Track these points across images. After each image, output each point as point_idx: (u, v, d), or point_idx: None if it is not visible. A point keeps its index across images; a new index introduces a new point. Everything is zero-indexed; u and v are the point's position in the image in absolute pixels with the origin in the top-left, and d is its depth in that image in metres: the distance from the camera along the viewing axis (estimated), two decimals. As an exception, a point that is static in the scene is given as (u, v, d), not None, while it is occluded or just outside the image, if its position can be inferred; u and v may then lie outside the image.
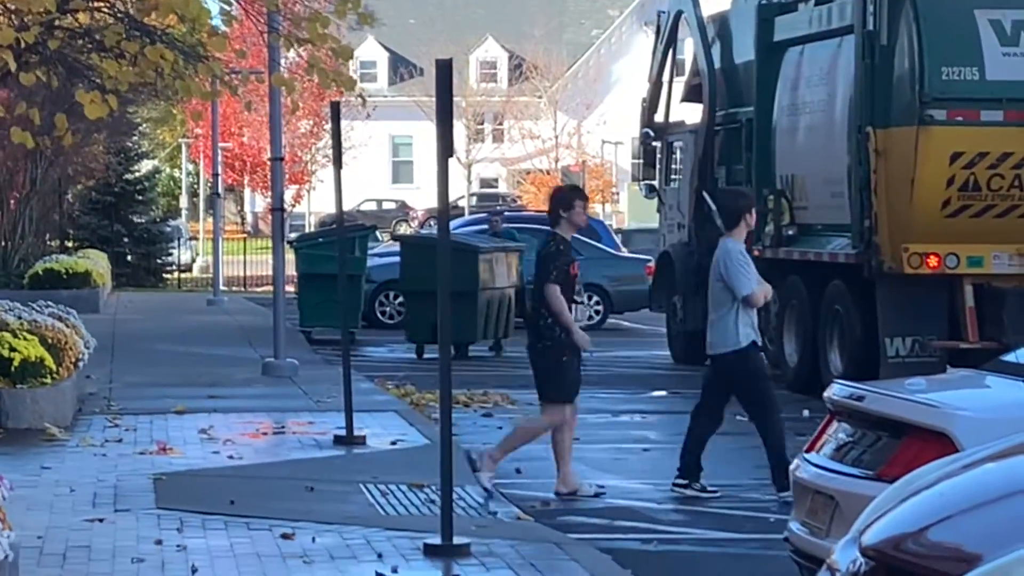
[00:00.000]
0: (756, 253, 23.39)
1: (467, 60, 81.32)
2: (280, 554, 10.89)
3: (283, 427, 17.19)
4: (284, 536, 11.40)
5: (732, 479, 15.08)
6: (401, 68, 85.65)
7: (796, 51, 22.92)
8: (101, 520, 11.95)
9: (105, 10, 18.58)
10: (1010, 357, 9.28)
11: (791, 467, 9.50)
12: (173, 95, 33.16)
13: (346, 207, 61.71)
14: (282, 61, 21.82)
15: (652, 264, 36.46)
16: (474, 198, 77.62)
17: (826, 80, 21.88)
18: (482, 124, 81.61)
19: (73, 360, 17.79)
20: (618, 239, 41.55)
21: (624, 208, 75.62)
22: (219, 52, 18.26)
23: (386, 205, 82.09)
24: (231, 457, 15.10)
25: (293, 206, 62.75)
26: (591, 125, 79.13)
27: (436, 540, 10.97)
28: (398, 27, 79.55)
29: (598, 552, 11.20)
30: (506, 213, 44.05)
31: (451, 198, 52.72)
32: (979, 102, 19.67)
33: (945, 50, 19.69)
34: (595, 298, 34.81)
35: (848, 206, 21.11)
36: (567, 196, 14.81)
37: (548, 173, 76.62)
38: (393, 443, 16.31)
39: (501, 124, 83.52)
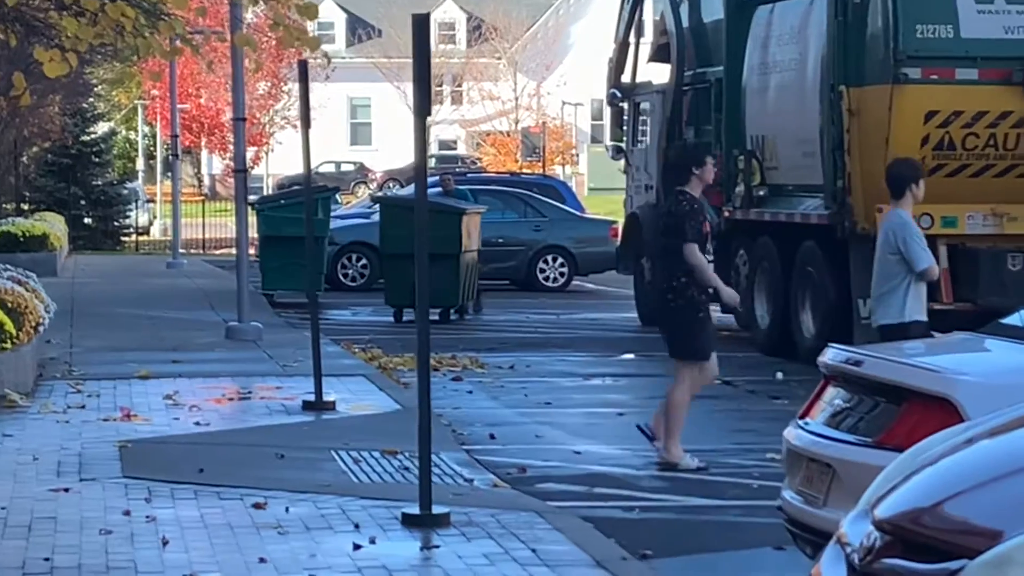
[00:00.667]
0: (726, 214, 23.16)
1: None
2: (253, 524, 10.52)
3: (250, 392, 16.82)
4: (256, 506, 11.04)
5: (712, 444, 14.77)
6: (359, 29, 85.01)
7: (766, 9, 22.56)
8: (67, 490, 11.57)
9: (64, -34, 18.13)
10: (1010, 320, 8.97)
11: (783, 432, 9.18)
12: (132, 54, 32.68)
13: (303, 168, 60.77)
14: (244, 24, 21.37)
15: (617, 226, 36.30)
16: (433, 159, 76.97)
17: (797, 39, 21.53)
18: (441, 86, 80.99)
19: (33, 325, 17.36)
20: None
21: (584, 170, 75.21)
22: (180, 10, 17.85)
23: (344, 167, 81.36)
24: (198, 424, 14.72)
25: (252, 168, 62.15)
26: (550, 86, 78.58)
27: (414, 509, 10.64)
28: (356, -12, 79.02)
29: (580, 520, 10.86)
30: (468, 175, 43.71)
31: (410, 161, 52.10)
32: (954, 60, 19.36)
33: (919, 7, 19.36)
34: (559, 260, 34.51)
35: (820, 166, 20.80)
36: (699, 153, 14.38)
37: (508, 135, 76.13)
38: (364, 410, 15.97)
39: (460, 86, 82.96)
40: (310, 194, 16.01)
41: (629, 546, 10.41)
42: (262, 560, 9.55)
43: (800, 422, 9.00)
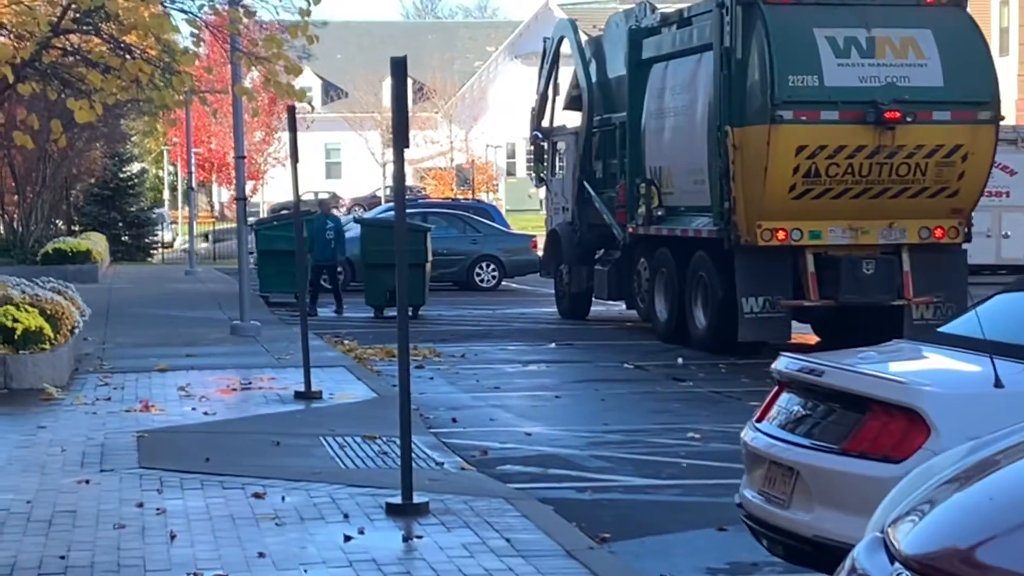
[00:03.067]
0: (631, 230, 21.38)
1: (380, 86, 79.15)
2: (253, 516, 8.62)
3: (250, 383, 14.85)
4: (256, 495, 9.14)
5: (637, 424, 12.95)
6: (331, 92, 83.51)
7: (661, 66, 20.79)
8: (87, 481, 9.63)
9: (91, 31, 16.16)
10: (949, 329, 7.16)
11: (741, 434, 7.35)
12: (151, 105, 30.72)
13: (290, 197, 58.84)
14: (243, 80, 19.38)
15: (537, 239, 34.47)
16: (388, 190, 75.06)
17: (688, 88, 19.76)
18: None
19: (69, 328, 15.36)
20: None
21: (503, 196, 73.35)
22: (189, 67, 15.89)
23: (321, 195, 79.24)
24: (206, 413, 12.74)
25: (251, 196, 60.03)
26: (477, 133, 76.89)
27: (397, 499, 8.77)
28: (328, 60, 77.22)
29: (543, 506, 9.01)
30: (419, 200, 42.00)
31: (371, 190, 50.28)
32: (819, 104, 17.61)
33: (790, 61, 17.63)
34: (492, 266, 32.70)
35: (708, 191, 19.06)
36: None
37: (445, 170, 74.58)
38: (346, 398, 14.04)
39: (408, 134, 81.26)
40: (300, 215, 14.09)
41: (588, 528, 8.61)
42: (261, 555, 7.66)
43: (757, 424, 7.17)
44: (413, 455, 10.41)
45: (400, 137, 8.68)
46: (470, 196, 62.47)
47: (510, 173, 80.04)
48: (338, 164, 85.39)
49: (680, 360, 17.92)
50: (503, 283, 32.88)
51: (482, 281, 32.47)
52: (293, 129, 13.19)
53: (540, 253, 33.54)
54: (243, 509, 8.77)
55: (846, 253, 18.13)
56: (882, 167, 17.76)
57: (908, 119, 17.56)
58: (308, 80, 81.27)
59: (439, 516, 8.56)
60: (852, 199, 17.94)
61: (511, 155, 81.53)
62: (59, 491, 9.36)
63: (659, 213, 20.47)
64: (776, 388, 7.25)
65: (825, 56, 17.62)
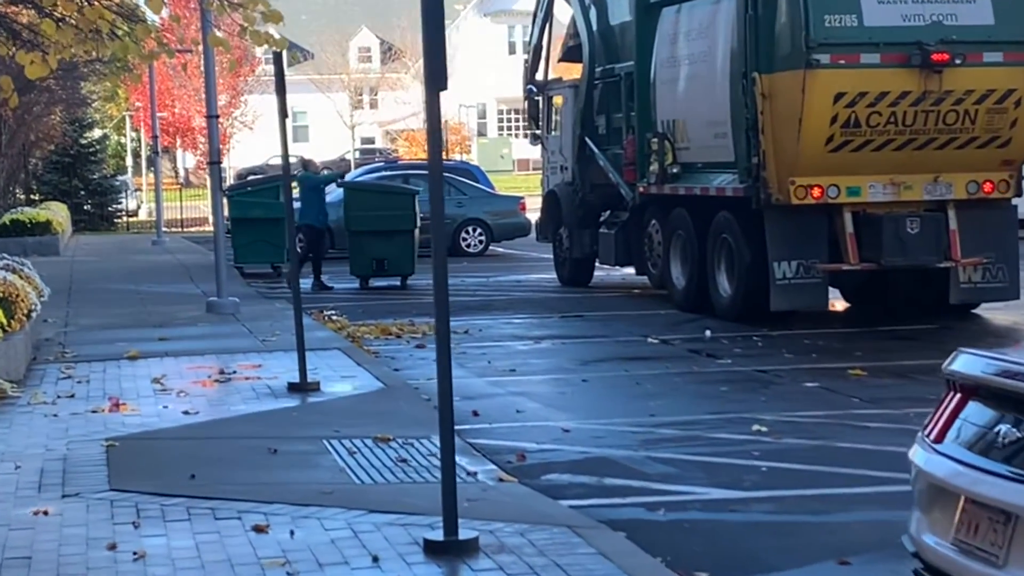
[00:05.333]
0: (641, 190, 19.55)
1: (347, 46, 77.07)
2: (257, 560, 6.78)
3: (234, 372, 12.92)
4: (257, 528, 7.30)
5: (688, 414, 11.13)
6: (297, 52, 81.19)
7: (673, 10, 18.88)
8: (46, 512, 7.76)
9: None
10: None
11: (910, 455, 5.52)
12: (112, 65, 28.67)
13: (256, 162, 56.57)
14: (216, 30, 17.39)
15: (524, 201, 32.61)
16: (357, 152, 72.94)
17: (706, 33, 17.88)
18: (361, 95, 77.29)
19: (25, 312, 13.40)
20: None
21: (475, 156, 71.34)
22: (156, 13, 13.88)
23: (289, 160, 77.16)
24: (186, 412, 10.84)
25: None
26: (448, 93, 74.66)
27: (436, 533, 6.94)
28: (292, 21, 74.67)
29: (618, 537, 7.19)
30: (399, 162, 40.04)
31: (340, 154, 48.08)
32: (858, 46, 15.75)
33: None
34: (479, 230, 30.82)
35: (732, 145, 17.22)
36: None
37: (417, 131, 72.58)
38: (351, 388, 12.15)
39: (376, 95, 79.32)
40: (288, 178, 12.21)
41: (677, 563, 6.82)
42: (275, 625, 5.82)
43: (934, 445, 5.34)
44: (436, 460, 8.63)
45: (437, 74, 6.81)
46: (444, 158, 60.56)
47: (481, 134, 78.06)
48: (305, 128, 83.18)
49: (708, 333, 16.12)
50: (490, 248, 30.99)
51: (468, 246, 30.59)
52: (281, 80, 11.29)
53: (527, 215, 31.76)
54: (243, 551, 6.93)
55: (887, 211, 16.33)
56: (928, 115, 15.94)
57: (956, 61, 15.73)
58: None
59: (492, 555, 6.74)
60: (894, 151, 16.13)
61: (482, 115, 79.55)
62: (10, 527, 7.49)
63: (674, 171, 18.62)
64: (955, 395, 5.42)
65: (865, -8, 15.77)
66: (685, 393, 12.25)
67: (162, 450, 9.52)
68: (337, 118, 74.07)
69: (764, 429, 10.33)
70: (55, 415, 10.80)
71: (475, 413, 11.29)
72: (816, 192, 16.15)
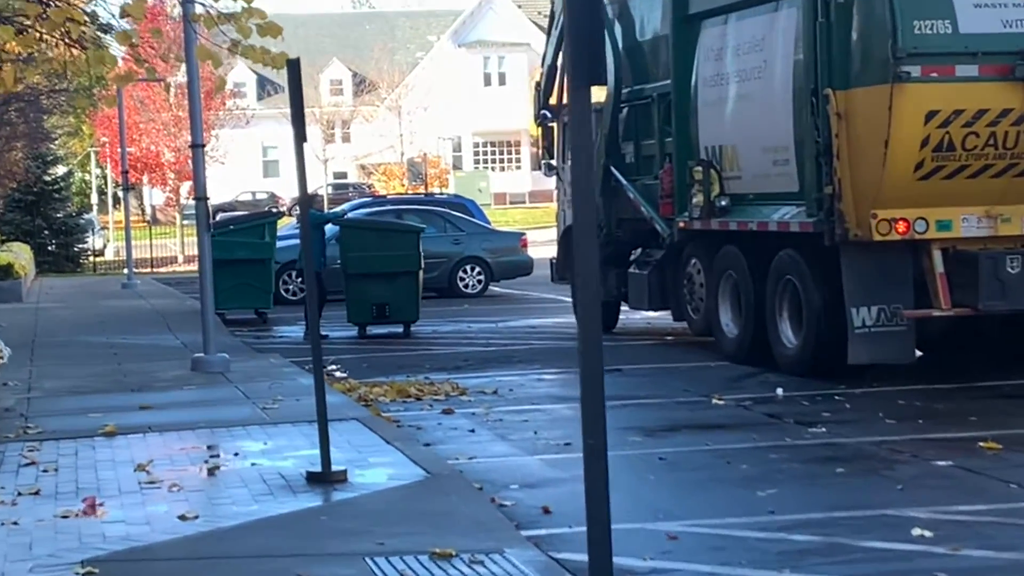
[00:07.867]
0: (681, 225, 17.27)
1: (318, 79, 74.86)
2: None
3: (236, 454, 10.53)
4: None
5: (813, 510, 8.77)
6: (268, 86, 79.28)
7: (717, 21, 16.69)
8: None
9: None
10: None
11: None
12: (79, 91, 26.39)
13: (226, 198, 54.02)
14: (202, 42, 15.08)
15: (526, 237, 30.40)
16: (330, 188, 70.60)
17: (760, 47, 15.67)
18: (333, 128, 75.14)
19: (-21, 381, 11.03)
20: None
21: (452, 190, 69.21)
22: (138, 18, 11.57)
23: (259, 195, 74.96)
24: (183, 518, 8.40)
25: (188, 197, 55.48)
26: (424, 126, 72.51)
27: None
28: (262, 54, 72.92)
29: None
30: (388, 198, 37.92)
31: (312, 189, 45.45)
32: (953, 56, 13.56)
33: (916, 3, 13.57)
34: (477, 269, 28.52)
35: (797, 173, 15.00)
36: None
37: (395, 164, 70.45)
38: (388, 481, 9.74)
39: (349, 128, 77.17)
40: (306, 208, 9.87)
41: None
42: None
43: None
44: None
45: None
46: (423, 191, 58.38)
47: (456, 167, 75.89)
48: (276, 163, 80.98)
49: (780, 392, 13.83)
50: (489, 288, 28.68)
51: (467, 287, 28.27)
52: (298, 91, 8.98)
53: (529, 253, 29.53)
54: None
55: (983, 247, 14.11)
56: (1030, 136, 13.76)
57: (1065, 74, 13.58)
58: (242, 75, 76.87)
59: None
60: (992, 178, 13.92)
61: (456, 148, 77.41)
62: None
63: (722, 203, 16.37)
64: None
65: (959, -5, 13.59)
66: (794, 477, 9.92)
67: (157, 581, 7.13)
68: (308, 152, 71.89)
69: (928, 535, 8.00)
70: (15, 523, 8.37)
71: (546, 510, 8.94)
72: (901, 227, 13.91)
